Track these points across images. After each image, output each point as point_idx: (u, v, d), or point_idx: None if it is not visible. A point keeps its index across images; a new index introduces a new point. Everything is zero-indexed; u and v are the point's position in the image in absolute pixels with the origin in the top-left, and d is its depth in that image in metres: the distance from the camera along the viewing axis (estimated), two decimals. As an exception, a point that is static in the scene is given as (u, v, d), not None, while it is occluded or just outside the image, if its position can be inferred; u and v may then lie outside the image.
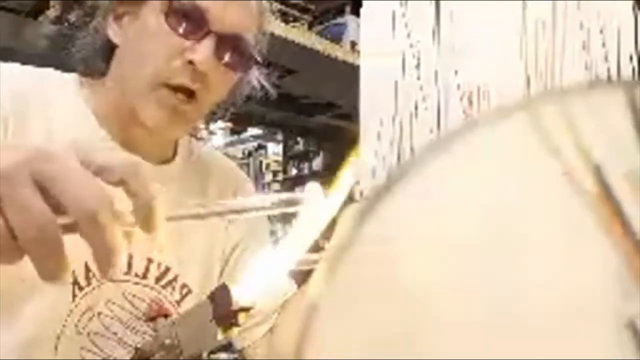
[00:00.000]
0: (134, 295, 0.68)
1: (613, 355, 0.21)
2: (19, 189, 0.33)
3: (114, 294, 0.66)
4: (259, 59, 0.69)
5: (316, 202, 0.39)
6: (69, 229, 0.34)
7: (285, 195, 0.40)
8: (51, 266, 0.34)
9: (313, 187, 0.40)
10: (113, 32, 0.67)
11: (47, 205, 0.33)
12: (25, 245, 0.33)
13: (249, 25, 0.67)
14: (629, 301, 0.21)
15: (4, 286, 0.58)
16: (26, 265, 0.34)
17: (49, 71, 0.70)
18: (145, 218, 0.36)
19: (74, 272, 0.63)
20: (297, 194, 0.40)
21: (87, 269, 0.64)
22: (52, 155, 0.34)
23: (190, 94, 0.64)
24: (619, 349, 0.21)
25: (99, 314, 0.65)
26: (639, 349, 0.21)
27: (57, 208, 0.33)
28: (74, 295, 0.64)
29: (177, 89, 0.63)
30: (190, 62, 0.62)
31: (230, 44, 0.64)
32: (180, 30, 0.62)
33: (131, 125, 0.67)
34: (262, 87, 0.76)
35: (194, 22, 0.62)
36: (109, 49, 0.68)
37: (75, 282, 0.63)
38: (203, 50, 0.62)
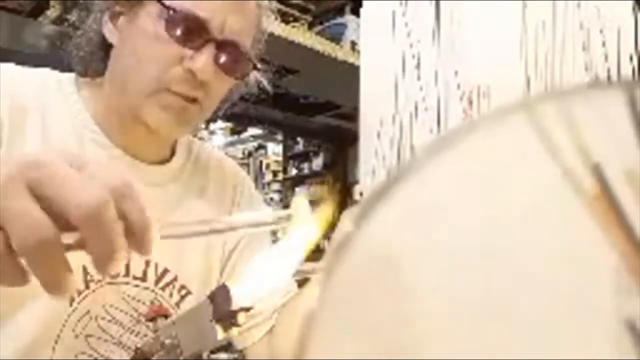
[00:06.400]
0: (132, 298, 0.67)
1: (612, 355, 0.21)
2: (16, 201, 0.32)
3: (113, 296, 0.66)
4: (256, 62, 0.69)
5: (304, 218, 0.39)
6: (71, 247, 0.34)
7: (278, 213, 0.40)
8: (54, 276, 0.34)
9: (300, 201, 0.40)
10: (109, 31, 0.67)
11: (45, 214, 0.32)
12: (26, 256, 0.33)
13: (248, 31, 0.67)
14: (627, 301, 0.21)
15: (2, 290, 0.58)
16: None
17: (48, 71, 0.70)
18: (139, 240, 0.35)
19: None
20: (287, 211, 0.39)
21: (85, 273, 0.64)
22: (42, 161, 0.34)
23: (193, 100, 0.64)
24: (617, 349, 0.21)
25: (98, 317, 0.65)
26: (637, 349, 0.21)
27: (57, 217, 0.33)
28: (72, 299, 0.63)
29: (178, 94, 0.63)
30: (190, 70, 0.62)
31: (227, 50, 0.65)
32: (180, 38, 0.62)
33: (130, 125, 0.67)
34: (259, 85, 0.75)
35: (194, 31, 0.62)
36: (106, 49, 0.68)
37: None
38: (203, 60, 0.62)
